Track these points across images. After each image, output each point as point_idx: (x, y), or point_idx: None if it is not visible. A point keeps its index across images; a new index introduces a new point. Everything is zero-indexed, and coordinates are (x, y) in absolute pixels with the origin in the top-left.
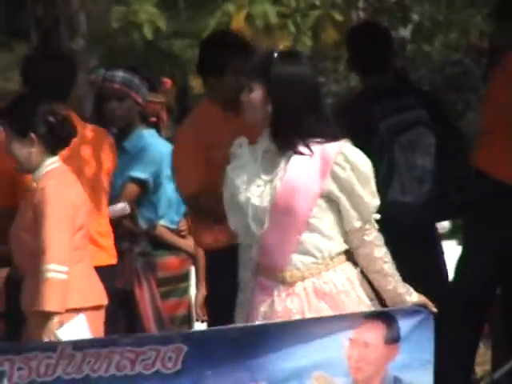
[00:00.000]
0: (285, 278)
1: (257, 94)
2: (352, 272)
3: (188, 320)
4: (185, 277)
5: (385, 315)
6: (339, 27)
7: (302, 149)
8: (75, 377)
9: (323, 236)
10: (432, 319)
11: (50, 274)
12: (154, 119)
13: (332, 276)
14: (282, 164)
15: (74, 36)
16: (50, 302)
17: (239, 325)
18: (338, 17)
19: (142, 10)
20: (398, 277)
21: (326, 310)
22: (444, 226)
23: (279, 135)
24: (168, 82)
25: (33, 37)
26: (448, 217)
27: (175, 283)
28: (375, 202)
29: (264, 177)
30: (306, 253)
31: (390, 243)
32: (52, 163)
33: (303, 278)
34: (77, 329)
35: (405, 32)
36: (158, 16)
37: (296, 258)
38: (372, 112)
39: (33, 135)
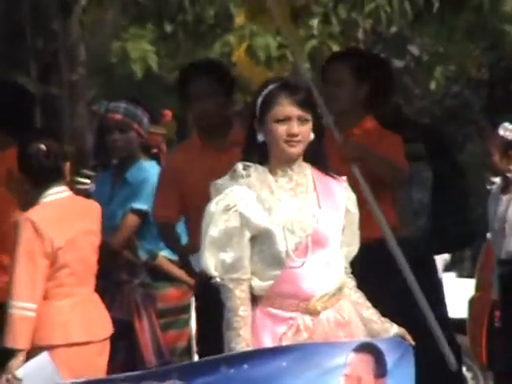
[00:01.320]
0: (314, 307)
1: (310, 125)
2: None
3: (188, 352)
4: (185, 308)
5: (373, 348)
6: None
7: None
8: None
9: (342, 266)
10: (412, 352)
11: (13, 311)
12: (155, 151)
13: (345, 306)
14: (313, 192)
15: (74, 67)
16: (10, 338)
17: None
18: (336, 47)
19: (135, 48)
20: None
21: (343, 340)
22: (444, 258)
23: (320, 162)
24: (168, 113)
25: (32, 69)
26: (445, 250)
27: (176, 315)
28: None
29: (296, 203)
30: (332, 282)
31: (385, 275)
32: (53, 194)
33: (326, 308)
34: (40, 367)
35: (400, 63)
36: (152, 54)
37: (325, 287)
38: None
39: (21, 175)
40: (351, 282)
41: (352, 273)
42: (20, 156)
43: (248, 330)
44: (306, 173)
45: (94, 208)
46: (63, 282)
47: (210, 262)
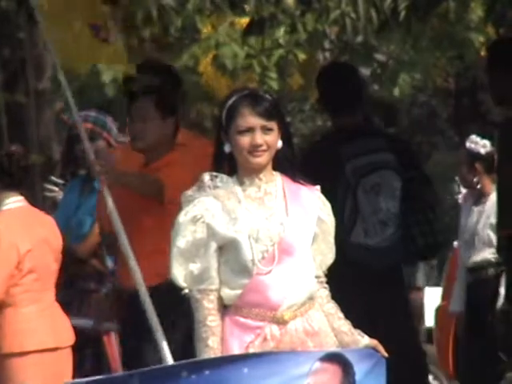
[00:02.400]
0: (281, 317)
1: (275, 133)
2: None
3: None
4: None
5: (341, 359)
6: (304, 69)
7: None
8: None
9: (312, 276)
10: (384, 364)
11: None
12: None
13: (316, 316)
14: (282, 200)
15: (41, 77)
16: None
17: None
18: (302, 55)
19: (106, 70)
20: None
21: (312, 350)
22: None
23: (289, 169)
24: None
25: None
26: (413, 260)
27: None
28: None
29: (263, 212)
30: (300, 291)
31: (354, 285)
32: (11, 203)
33: (295, 317)
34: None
35: (366, 71)
36: (122, 73)
37: (293, 297)
38: (340, 153)
39: None
40: (324, 292)
41: None
42: None
43: (217, 340)
44: (275, 181)
45: (48, 219)
46: (29, 288)
47: (179, 272)
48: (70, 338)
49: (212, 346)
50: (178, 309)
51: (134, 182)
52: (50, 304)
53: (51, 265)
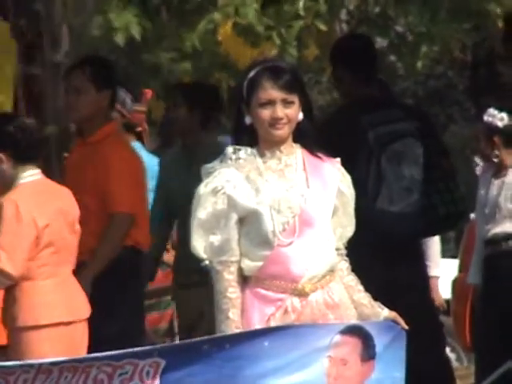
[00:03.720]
0: (302, 289)
1: (296, 106)
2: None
3: (170, 333)
4: (168, 290)
5: (361, 331)
6: (322, 39)
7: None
8: None
9: (332, 248)
10: (404, 336)
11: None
12: (139, 129)
13: (336, 288)
14: (302, 172)
15: (57, 49)
16: None
17: (218, 335)
18: (323, 26)
19: (118, 18)
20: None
21: (332, 322)
22: None
23: (310, 142)
24: (148, 92)
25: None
26: (434, 229)
27: (158, 296)
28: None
29: (283, 184)
30: (321, 263)
31: (375, 252)
32: (28, 176)
33: (316, 289)
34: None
35: (383, 42)
36: (134, 24)
37: (314, 269)
38: (361, 122)
39: (1, 155)
40: (344, 264)
41: None
42: (5, 134)
43: (237, 312)
44: (295, 153)
45: (65, 191)
46: (47, 262)
47: (199, 244)
48: (85, 311)
49: (232, 318)
50: None
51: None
52: (67, 277)
53: (68, 238)
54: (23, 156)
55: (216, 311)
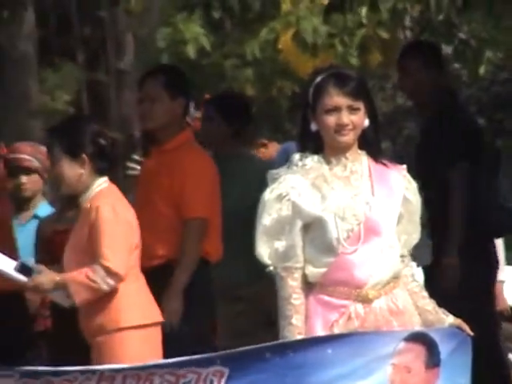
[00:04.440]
0: (366, 295)
1: (362, 113)
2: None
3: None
4: None
5: (425, 338)
6: (385, 46)
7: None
8: None
9: (397, 255)
10: (469, 343)
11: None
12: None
13: (400, 295)
14: (368, 179)
15: (121, 56)
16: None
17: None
18: (385, 35)
19: (188, 30)
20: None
21: (396, 329)
22: None
23: (375, 149)
24: (208, 97)
25: (79, 57)
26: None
27: None
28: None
29: (349, 192)
30: (385, 270)
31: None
32: (103, 183)
33: (379, 296)
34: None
35: (447, 49)
36: (203, 35)
37: (378, 275)
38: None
39: (85, 156)
40: (409, 271)
41: None
42: (95, 141)
43: (300, 318)
44: (361, 160)
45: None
46: (134, 264)
47: (264, 250)
48: (160, 314)
49: (296, 324)
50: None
51: None
52: (144, 281)
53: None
54: (102, 167)
55: (279, 317)
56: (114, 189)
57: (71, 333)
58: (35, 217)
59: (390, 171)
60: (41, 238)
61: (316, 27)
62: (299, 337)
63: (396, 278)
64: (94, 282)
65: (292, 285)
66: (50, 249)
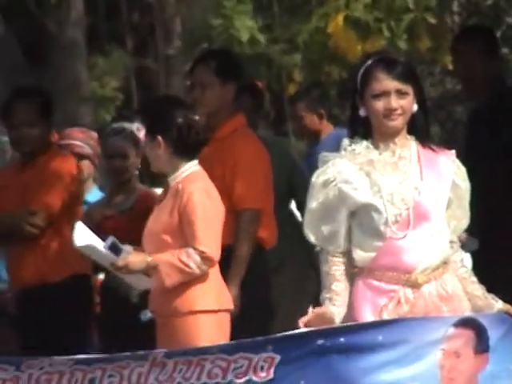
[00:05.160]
0: (415, 280)
1: (410, 98)
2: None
3: None
4: None
5: (475, 324)
6: (433, 31)
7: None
8: None
9: (446, 240)
10: None
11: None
12: None
13: (449, 280)
14: (417, 165)
15: (170, 41)
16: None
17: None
18: (432, 20)
19: (241, 26)
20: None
21: (445, 314)
22: None
23: (425, 134)
24: (260, 84)
25: (128, 43)
26: None
27: None
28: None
29: (397, 177)
30: (435, 255)
31: None
32: (193, 166)
33: (429, 281)
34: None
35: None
36: (256, 30)
37: (427, 260)
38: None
39: (160, 138)
40: (458, 256)
41: None
42: (173, 123)
43: (341, 300)
44: (409, 146)
45: None
46: None
47: (311, 232)
48: (231, 300)
49: (335, 289)
50: None
51: None
52: (218, 266)
53: None
54: (185, 151)
55: (322, 291)
56: (204, 173)
57: (121, 319)
58: (85, 202)
59: (439, 156)
60: (89, 223)
61: (366, 6)
62: (339, 309)
63: (445, 263)
64: (187, 266)
65: (334, 269)
66: (98, 235)
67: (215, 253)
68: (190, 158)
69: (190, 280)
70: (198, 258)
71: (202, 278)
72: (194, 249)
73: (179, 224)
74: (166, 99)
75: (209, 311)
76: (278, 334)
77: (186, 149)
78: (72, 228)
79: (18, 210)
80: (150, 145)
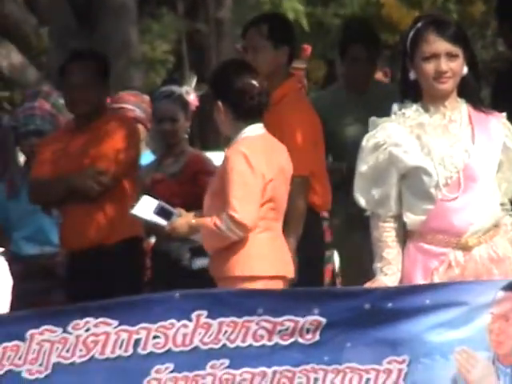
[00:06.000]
0: (466, 243)
1: (460, 60)
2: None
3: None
4: (328, 245)
5: None
6: None
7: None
8: (212, 347)
9: (497, 203)
10: None
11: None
12: (299, 85)
13: (500, 243)
14: (467, 127)
15: (220, 5)
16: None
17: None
18: None
19: (289, 8)
20: None
21: (496, 278)
22: None
23: (475, 96)
24: (308, 48)
25: (179, 7)
26: None
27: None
28: None
29: (447, 140)
30: (486, 218)
31: None
32: (252, 130)
33: (479, 244)
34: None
35: None
36: (303, 14)
37: (478, 223)
38: None
39: (219, 103)
40: (509, 219)
41: None
42: (229, 88)
43: (393, 268)
44: (460, 108)
45: (283, 147)
46: (265, 216)
47: (361, 196)
48: (293, 270)
49: (386, 257)
50: None
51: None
52: (280, 234)
53: (284, 195)
54: (243, 115)
55: (374, 257)
56: (262, 138)
57: (170, 283)
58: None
59: (490, 118)
60: (141, 187)
61: None
62: (391, 277)
63: (496, 226)
64: (219, 230)
65: (386, 235)
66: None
67: (248, 218)
68: (250, 122)
69: (243, 245)
70: (229, 223)
71: (255, 243)
72: (227, 214)
73: (222, 188)
74: (231, 64)
75: (262, 277)
76: (324, 292)
77: (245, 113)
78: (132, 191)
79: (86, 170)
80: (216, 109)
